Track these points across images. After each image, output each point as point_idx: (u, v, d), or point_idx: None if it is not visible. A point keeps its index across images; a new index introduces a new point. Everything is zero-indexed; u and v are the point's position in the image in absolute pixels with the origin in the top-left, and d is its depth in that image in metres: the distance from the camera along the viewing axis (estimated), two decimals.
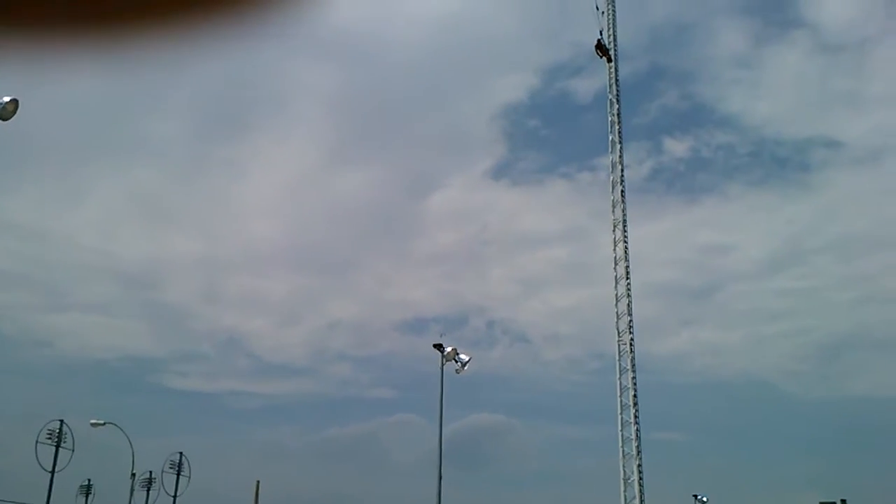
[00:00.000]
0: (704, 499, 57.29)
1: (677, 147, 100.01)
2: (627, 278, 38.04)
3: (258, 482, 42.58)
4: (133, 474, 40.88)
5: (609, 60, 40.50)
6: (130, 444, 40.67)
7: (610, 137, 39.96)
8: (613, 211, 39.13)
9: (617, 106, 40.02)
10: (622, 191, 39.08)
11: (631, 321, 37.49)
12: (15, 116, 17.45)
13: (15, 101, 17.23)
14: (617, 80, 40.25)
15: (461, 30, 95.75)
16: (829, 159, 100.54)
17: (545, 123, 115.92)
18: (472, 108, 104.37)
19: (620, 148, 39.62)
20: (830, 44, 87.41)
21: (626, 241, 38.54)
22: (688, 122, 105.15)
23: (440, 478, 31.58)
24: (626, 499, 35.86)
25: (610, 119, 40.11)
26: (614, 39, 40.61)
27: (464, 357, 36.36)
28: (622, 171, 39.42)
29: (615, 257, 38.51)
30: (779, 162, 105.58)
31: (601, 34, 40.57)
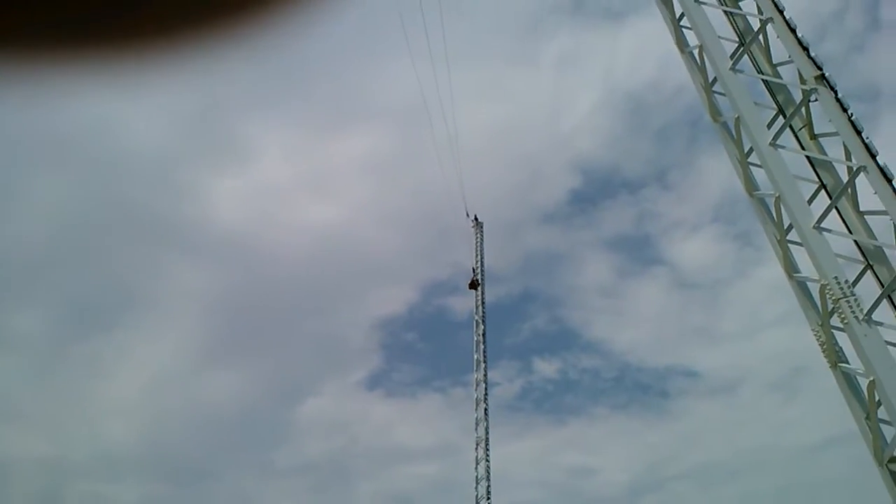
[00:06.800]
0: None
1: (546, 368, 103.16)
2: (488, 498, 37.41)
3: None
4: None
5: (476, 288, 43.05)
6: None
7: (475, 357, 41.28)
8: (477, 429, 39.37)
9: (483, 327, 41.86)
10: (486, 409, 39.63)
11: None
12: None
13: None
14: (483, 303, 42.55)
15: (344, 240, 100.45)
16: (687, 388, 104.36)
17: (422, 337, 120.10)
18: (350, 317, 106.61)
19: (485, 367, 40.82)
20: (687, 281, 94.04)
21: (488, 461, 38.36)
22: (556, 345, 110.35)
23: None
24: None
25: (475, 339, 41.73)
26: (482, 264, 43.62)
27: None
28: (486, 389, 40.32)
29: (476, 476, 38.15)
30: (641, 388, 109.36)
31: (474, 272, 43.56)
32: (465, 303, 44.22)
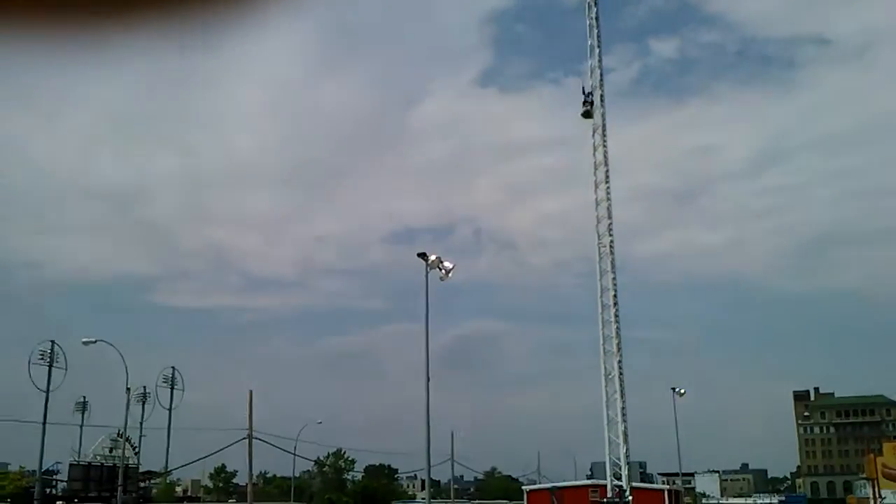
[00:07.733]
0: (682, 391, 59.64)
1: (664, 48, 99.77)
2: (607, 182, 38.64)
3: (251, 391, 44.11)
4: (128, 389, 42.17)
5: (590, 117, 39.52)
6: (123, 360, 41.76)
7: (588, 42, 39.84)
8: (593, 116, 39.39)
9: (595, 9, 39.73)
10: (601, 95, 39.22)
11: (611, 224, 38.32)
12: None
13: None
14: None
15: None
16: (816, 56, 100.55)
17: (532, 28, 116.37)
18: (459, 14, 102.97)
19: (599, 52, 39.54)
20: None
21: (605, 146, 38.93)
22: (674, 22, 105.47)
23: (427, 379, 33.04)
24: (607, 393, 37.49)
25: (588, 23, 39.87)
26: None
27: (448, 265, 37.36)
28: (601, 75, 39.50)
29: (595, 162, 38.99)
30: (765, 60, 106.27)
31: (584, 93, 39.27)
32: None
